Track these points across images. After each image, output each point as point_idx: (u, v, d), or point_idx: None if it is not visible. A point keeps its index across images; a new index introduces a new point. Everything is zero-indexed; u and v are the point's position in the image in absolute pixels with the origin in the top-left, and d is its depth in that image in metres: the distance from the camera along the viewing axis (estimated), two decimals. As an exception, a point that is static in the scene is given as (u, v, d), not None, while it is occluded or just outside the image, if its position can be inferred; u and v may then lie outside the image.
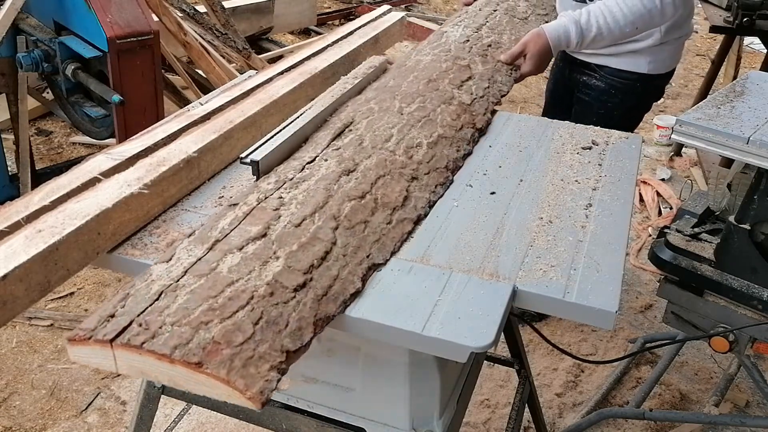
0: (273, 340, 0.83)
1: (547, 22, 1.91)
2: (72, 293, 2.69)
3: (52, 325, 2.52)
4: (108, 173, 1.13)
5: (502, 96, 1.62)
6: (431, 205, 1.20)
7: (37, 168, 3.20)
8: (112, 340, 0.80)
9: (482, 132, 1.47)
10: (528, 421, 2.03)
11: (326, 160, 1.21)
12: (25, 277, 0.91)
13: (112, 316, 0.84)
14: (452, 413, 1.27)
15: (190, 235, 1.02)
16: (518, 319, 1.64)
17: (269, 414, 1.25)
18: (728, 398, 2.32)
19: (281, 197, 1.09)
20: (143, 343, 0.80)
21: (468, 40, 1.78)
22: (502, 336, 1.09)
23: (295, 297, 0.89)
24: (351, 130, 1.32)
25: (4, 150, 2.86)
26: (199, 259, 0.94)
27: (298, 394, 1.26)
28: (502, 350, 1.83)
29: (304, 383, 1.23)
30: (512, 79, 1.71)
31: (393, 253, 1.06)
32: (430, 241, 1.11)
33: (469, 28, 1.86)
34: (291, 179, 1.15)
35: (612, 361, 2.03)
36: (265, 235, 0.99)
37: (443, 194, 1.23)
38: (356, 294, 0.96)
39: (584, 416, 2.21)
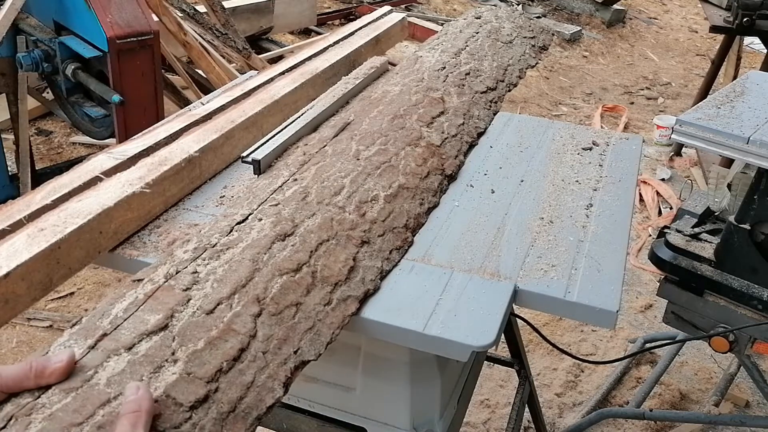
0: None
1: (533, 45, 1.83)
2: (72, 293, 2.70)
3: (51, 326, 2.53)
4: (109, 172, 1.14)
5: (479, 134, 1.45)
6: (383, 276, 1.01)
7: (37, 168, 3.20)
8: None
9: (452, 178, 1.30)
10: (528, 421, 2.03)
11: (260, 219, 1.02)
12: (27, 276, 0.91)
13: None
14: (453, 413, 1.27)
15: (75, 324, 0.81)
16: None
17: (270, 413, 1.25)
18: (728, 398, 2.32)
19: (196, 271, 0.90)
20: None
21: (444, 68, 1.60)
22: (502, 336, 1.09)
23: (190, 418, 0.71)
24: (296, 180, 1.15)
25: (4, 150, 2.86)
26: (75, 362, 0.75)
27: (299, 394, 1.26)
28: (502, 350, 1.83)
29: (304, 383, 1.23)
30: (491, 113, 1.55)
31: (329, 344, 0.87)
32: (432, 240, 1.11)
33: (446, 53, 1.68)
34: (213, 246, 0.95)
35: (612, 362, 2.04)
36: (165, 327, 0.80)
37: (398, 261, 1.05)
38: (274, 405, 0.79)
39: (584, 416, 2.22)
